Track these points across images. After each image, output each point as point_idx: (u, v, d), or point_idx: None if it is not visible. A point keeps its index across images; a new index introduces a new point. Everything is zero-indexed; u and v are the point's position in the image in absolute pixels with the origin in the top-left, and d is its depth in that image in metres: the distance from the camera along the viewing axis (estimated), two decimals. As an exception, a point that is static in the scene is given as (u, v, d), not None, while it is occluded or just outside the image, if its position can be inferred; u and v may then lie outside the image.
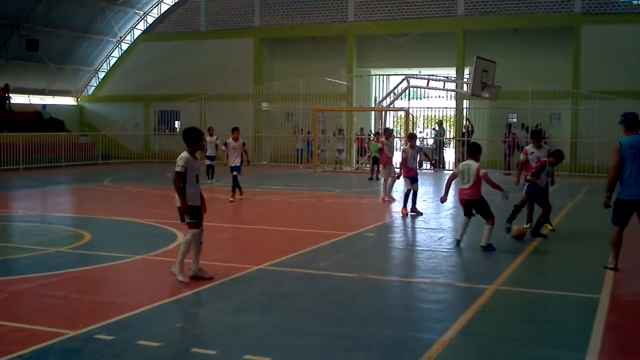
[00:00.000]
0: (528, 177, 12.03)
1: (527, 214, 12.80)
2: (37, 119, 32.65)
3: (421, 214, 14.75)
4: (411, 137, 15.50)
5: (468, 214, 11.11)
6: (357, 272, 9.10)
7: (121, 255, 10.11)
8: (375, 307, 7.54)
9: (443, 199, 11.74)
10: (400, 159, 15.67)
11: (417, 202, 15.13)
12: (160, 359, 5.81)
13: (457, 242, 11.14)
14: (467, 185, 10.96)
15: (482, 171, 10.79)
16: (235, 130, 17.31)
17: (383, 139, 18.81)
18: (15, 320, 6.74)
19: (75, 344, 6.12)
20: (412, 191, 14.88)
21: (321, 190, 20.45)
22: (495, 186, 10.96)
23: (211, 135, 21.71)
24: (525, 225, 12.34)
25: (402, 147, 16.22)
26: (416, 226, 13.67)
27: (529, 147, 12.78)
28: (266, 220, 14.44)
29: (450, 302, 7.84)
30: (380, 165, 18.61)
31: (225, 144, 17.33)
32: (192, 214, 8.41)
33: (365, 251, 10.95)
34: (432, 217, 14.67)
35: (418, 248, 11.32)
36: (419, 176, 15.32)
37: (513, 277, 9.02)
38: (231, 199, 16.88)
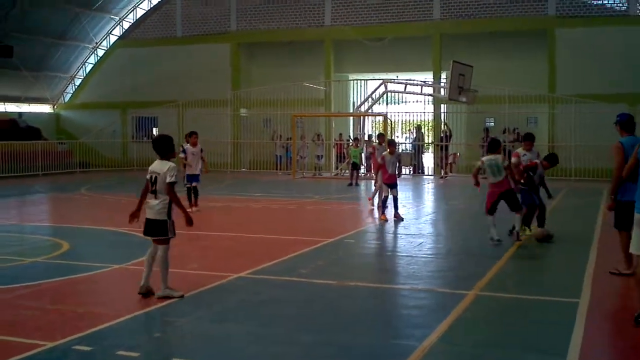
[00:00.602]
0: (519, 179, 12.00)
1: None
2: (12, 127, 32.35)
3: (402, 219, 14.76)
4: (390, 144, 15.47)
5: (493, 210, 11.61)
6: (337, 279, 9.07)
7: (99, 265, 10.03)
8: (356, 314, 7.52)
9: (477, 185, 12.20)
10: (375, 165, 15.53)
11: (398, 207, 15.11)
12: (139, 370, 5.76)
13: (499, 241, 11.52)
14: (499, 178, 11.51)
15: (510, 160, 11.97)
16: (193, 134, 16.33)
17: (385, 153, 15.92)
18: (-9, 332, 6.65)
19: (53, 355, 6.05)
20: (393, 197, 14.88)
21: (301, 196, 20.42)
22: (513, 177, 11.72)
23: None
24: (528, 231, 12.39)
25: (370, 151, 16.02)
26: (396, 232, 13.68)
27: (520, 150, 12.83)
28: (246, 227, 14.38)
29: (431, 307, 7.84)
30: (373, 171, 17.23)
31: (183, 150, 16.11)
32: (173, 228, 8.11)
33: (346, 258, 10.93)
34: (411, 223, 14.68)
35: (398, 254, 11.34)
36: (397, 182, 15.30)
37: (493, 282, 9.03)
38: (192, 208, 15.63)
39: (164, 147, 8.17)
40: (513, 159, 12.43)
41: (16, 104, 35.27)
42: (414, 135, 32.01)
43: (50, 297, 8.14)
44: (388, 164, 14.87)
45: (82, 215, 16.58)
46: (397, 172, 15.12)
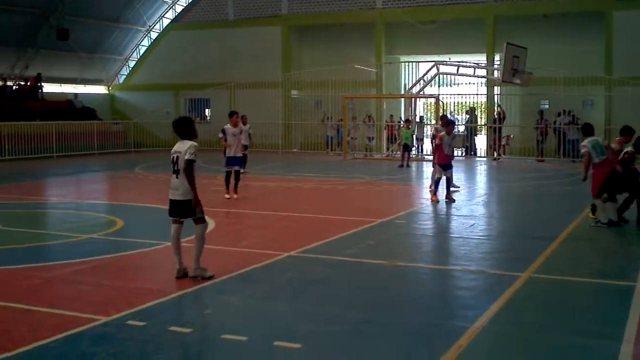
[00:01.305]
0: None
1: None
2: (69, 107, 33.04)
3: (454, 200, 14.61)
4: (449, 123, 15.28)
5: (602, 193, 11.47)
6: (387, 259, 9.04)
7: (152, 242, 10.18)
8: (405, 294, 7.49)
9: (585, 180, 11.81)
10: (432, 146, 15.26)
11: (450, 189, 14.96)
12: (191, 345, 5.83)
13: (614, 222, 11.40)
14: (603, 157, 11.50)
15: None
16: (233, 114, 15.19)
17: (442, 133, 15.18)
18: (48, 306, 6.80)
19: (107, 329, 6.15)
20: (446, 178, 14.75)
21: (351, 177, 20.39)
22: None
23: (244, 123, 20.98)
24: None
25: (434, 133, 15.66)
26: (448, 213, 13.56)
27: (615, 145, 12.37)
28: (297, 207, 14.43)
29: (482, 289, 7.75)
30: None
31: (223, 131, 15.02)
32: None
33: (396, 238, 10.88)
34: (463, 205, 14.53)
35: (449, 235, 11.24)
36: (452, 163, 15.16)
37: (547, 264, 8.89)
38: (227, 195, 14.74)
39: (184, 129, 8.04)
40: (615, 145, 12.16)
41: (72, 85, 35.92)
42: (467, 117, 31.64)
43: (105, 273, 8.30)
44: (445, 144, 14.73)
45: (136, 193, 16.86)
46: (452, 154, 14.97)
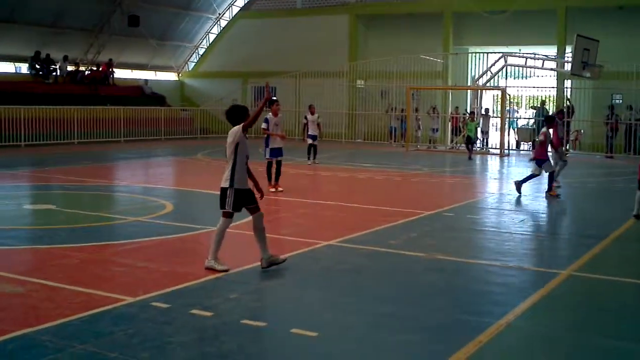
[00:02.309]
0: None
1: None
2: (139, 93, 33.77)
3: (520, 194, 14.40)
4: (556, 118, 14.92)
5: None
6: (426, 251, 8.90)
7: (196, 226, 10.31)
8: (436, 288, 7.35)
9: None
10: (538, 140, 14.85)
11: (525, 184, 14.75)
12: (208, 328, 5.85)
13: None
14: None
15: None
16: (274, 102, 14.40)
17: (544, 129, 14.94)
18: (78, 284, 6.94)
19: (131, 310, 6.24)
20: (549, 173, 14.60)
21: (409, 168, 20.19)
22: None
23: (312, 113, 20.69)
24: None
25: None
26: (500, 207, 13.29)
27: None
28: (346, 197, 14.37)
29: (517, 285, 7.53)
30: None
31: (266, 120, 14.27)
32: (237, 199, 7.76)
33: (440, 231, 10.70)
34: (518, 200, 14.20)
35: (496, 230, 10.97)
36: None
37: (591, 262, 8.59)
38: (272, 189, 13.92)
39: (235, 116, 7.81)
40: None
41: (142, 71, 36.65)
42: (536, 111, 30.90)
43: (141, 255, 8.42)
44: (547, 140, 14.55)
45: (193, 178, 17.10)
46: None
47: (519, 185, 14.50)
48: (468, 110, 29.01)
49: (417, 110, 29.84)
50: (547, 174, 14.62)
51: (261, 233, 7.75)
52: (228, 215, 7.82)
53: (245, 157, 7.82)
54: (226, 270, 7.61)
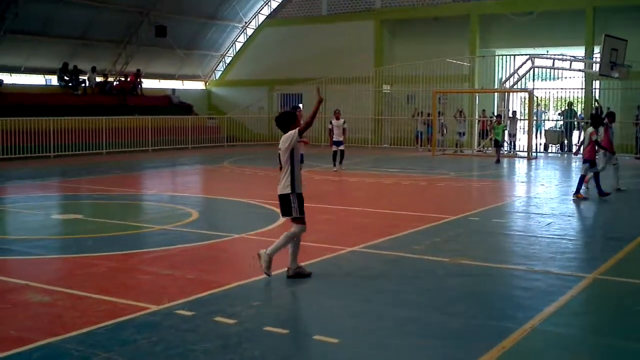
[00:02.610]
0: None
1: None
2: (167, 103, 34.10)
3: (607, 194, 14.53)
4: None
5: None
6: (450, 256, 8.87)
7: (221, 234, 10.38)
8: (460, 293, 7.31)
9: None
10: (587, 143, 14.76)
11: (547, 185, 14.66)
12: (232, 335, 5.88)
13: None
14: None
15: None
16: (298, 109, 15.14)
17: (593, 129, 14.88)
18: (104, 293, 7.03)
19: (154, 318, 6.30)
20: (594, 174, 14.65)
21: (435, 173, 20.12)
22: None
23: (338, 118, 20.67)
24: None
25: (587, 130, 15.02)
26: (527, 211, 13.19)
27: None
28: (372, 202, 14.36)
29: (542, 289, 7.45)
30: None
31: None
32: (301, 203, 7.71)
33: (465, 235, 10.64)
34: (545, 202, 14.10)
35: (522, 233, 10.89)
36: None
37: (617, 266, 8.50)
38: None
39: (285, 123, 7.82)
40: None
41: (170, 80, 36.99)
42: (565, 113, 30.62)
43: (167, 263, 8.49)
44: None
45: (219, 186, 17.22)
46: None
47: (600, 192, 14.49)
48: (495, 113, 28.86)
49: (439, 114, 29.50)
50: (580, 175, 14.53)
51: (296, 243, 7.76)
52: (301, 222, 7.74)
53: (300, 162, 7.88)
54: (309, 275, 7.75)
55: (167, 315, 6.38)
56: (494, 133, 24.79)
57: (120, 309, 6.54)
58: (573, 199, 14.31)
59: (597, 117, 15.43)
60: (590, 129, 14.59)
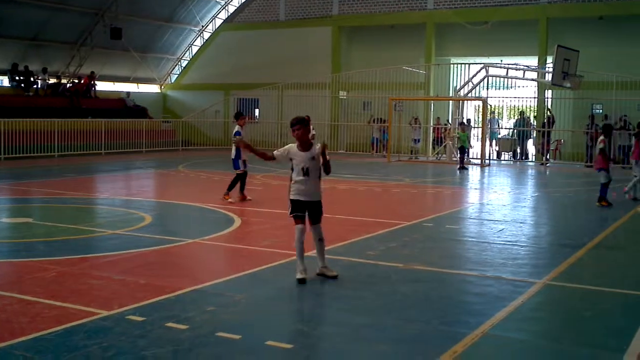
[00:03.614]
0: None
1: None
2: (121, 106, 33.69)
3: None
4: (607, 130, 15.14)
5: None
6: (405, 262, 8.93)
7: (174, 239, 10.27)
8: (413, 298, 7.35)
9: None
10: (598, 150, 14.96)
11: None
12: (183, 341, 5.81)
13: None
14: None
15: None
16: (241, 116, 14.88)
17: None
18: (54, 298, 6.89)
19: (105, 323, 6.20)
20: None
21: (390, 179, 20.24)
22: None
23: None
24: None
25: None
26: (480, 217, 13.35)
27: None
28: (327, 208, 14.22)
29: (494, 295, 7.54)
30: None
31: (238, 133, 14.37)
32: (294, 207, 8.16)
33: (419, 241, 10.71)
34: (497, 209, 14.28)
35: (474, 240, 11.01)
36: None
37: (568, 272, 8.65)
38: (225, 197, 14.46)
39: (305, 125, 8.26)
40: None
41: (125, 83, 36.59)
42: (515, 121, 31.18)
43: (119, 268, 8.36)
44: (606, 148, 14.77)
45: (173, 191, 17.06)
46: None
47: (603, 200, 14.70)
48: (450, 121, 29.19)
49: (380, 120, 29.59)
50: (601, 184, 14.80)
51: (317, 243, 8.33)
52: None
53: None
54: (335, 276, 7.99)
55: (118, 320, 6.28)
56: (462, 140, 25.01)
57: (71, 314, 6.42)
58: (597, 205, 14.65)
59: (608, 126, 15.73)
60: (601, 137, 14.87)
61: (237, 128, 14.58)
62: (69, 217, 12.56)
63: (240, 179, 14.55)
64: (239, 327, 6.26)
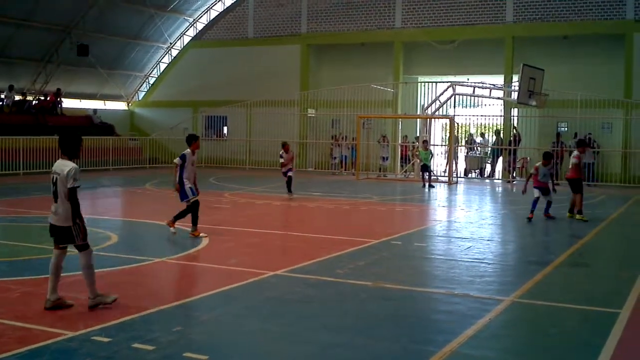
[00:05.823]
0: None
1: None
2: (88, 123, 33.36)
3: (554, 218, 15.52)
4: (547, 157, 15.62)
5: None
6: (373, 280, 8.93)
7: (140, 258, 10.18)
8: (383, 317, 7.35)
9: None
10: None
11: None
12: (150, 362, 5.75)
13: None
14: None
15: None
16: (194, 139, 12.62)
17: (576, 152, 16.07)
18: (19, 319, 6.79)
19: (71, 344, 6.12)
20: (547, 202, 15.57)
21: (359, 197, 20.28)
22: None
23: (287, 151, 19.40)
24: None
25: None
26: (447, 235, 13.43)
27: None
28: (295, 226, 14.36)
29: (462, 313, 7.57)
30: None
31: (183, 157, 12.31)
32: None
33: (388, 259, 10.74)
34: (464, 227, 14.38)
35: (442, 257, 11.07)
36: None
37: (535, 289, 8.72)
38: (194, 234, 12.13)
39: (69, 145, 7.78)
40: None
41: (92, 100, 36.28)
42: (481, 140, 31.47)
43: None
44: (540, 174, 15.32)
45: (140, 209, 16.91)
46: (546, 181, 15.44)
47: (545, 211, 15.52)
48: (418, 139, 29.35)
49: (341, 138, 29.74)
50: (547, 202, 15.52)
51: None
52: (86, 248, 7.86)
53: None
54: (115, 300, 7.44)
55: (83, 341, 6.20)
56: (422, 159, 25.16)
57: (35, 335, 6.32)
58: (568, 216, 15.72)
59: (582, 141, 16.81)
60: (575, 153, 15.93)
61: (187, 151, 12.41)
62: (34, 237, 12.37)
63: (192, 211, 12.22)
64: (206, 347, 6.21)
